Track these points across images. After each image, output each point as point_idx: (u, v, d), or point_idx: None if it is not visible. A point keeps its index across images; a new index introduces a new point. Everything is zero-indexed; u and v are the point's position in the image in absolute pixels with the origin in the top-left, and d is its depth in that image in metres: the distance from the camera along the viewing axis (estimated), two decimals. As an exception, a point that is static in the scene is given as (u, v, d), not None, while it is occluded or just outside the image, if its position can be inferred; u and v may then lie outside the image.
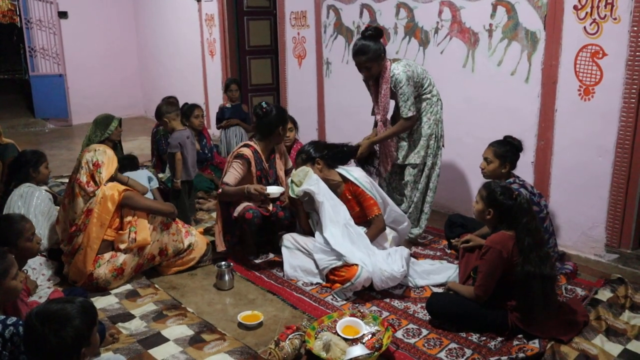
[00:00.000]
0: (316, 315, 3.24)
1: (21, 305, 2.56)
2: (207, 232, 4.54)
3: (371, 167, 4.24)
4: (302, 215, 3.94)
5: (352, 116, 5.80)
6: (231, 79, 6.98)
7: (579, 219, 4.04)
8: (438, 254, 4.11)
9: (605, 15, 3.68)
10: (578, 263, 3.85)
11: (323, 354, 2.70)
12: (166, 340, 3.02)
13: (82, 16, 9.96)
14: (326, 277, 3.63)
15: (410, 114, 3.89)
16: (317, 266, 3.67)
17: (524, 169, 4.06)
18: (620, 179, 3.77)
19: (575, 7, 3.82)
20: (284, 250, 3.85)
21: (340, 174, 3.90)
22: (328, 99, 6.26)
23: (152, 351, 2.90)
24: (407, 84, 3.85)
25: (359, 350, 2.71)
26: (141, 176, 4.62)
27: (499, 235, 2.95)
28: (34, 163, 3.98)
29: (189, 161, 4.66)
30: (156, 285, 3.71)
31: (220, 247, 4.04)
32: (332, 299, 3.46)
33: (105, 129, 4.98)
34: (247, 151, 4.01)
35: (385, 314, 3.28)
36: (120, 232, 3.63)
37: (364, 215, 3.81)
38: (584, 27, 3.79)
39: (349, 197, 3.84)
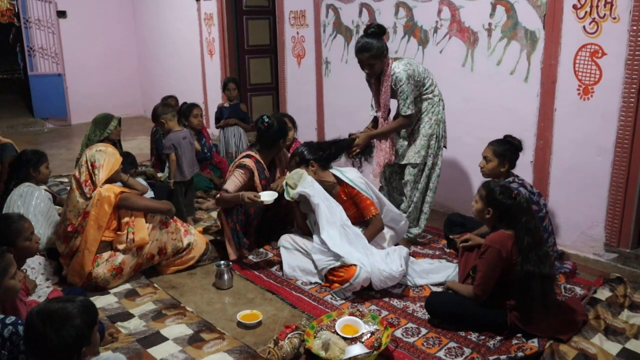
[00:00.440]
0: (315, 314, 3.24)
1: (20, 305, 2.56)
2: (206, 231, 4.54)
3: (362, 159, 4.19)
4: (298, 217, 3.95)
5: (351, 115, 5.79)
6: (229, 78, 6.98)
7: (578, 218, 4.05)
8: (437, 253, 4.11)
9: (605, 15, 3.68)
10: (577, 262, 3.86)
11: (322, 353, 2.70)
12: (165, 339, 3.02)
13: (81, 16, 9.95)
14: (325, 277, 3.63)
15: (408, 112, 3.88)
16: (315, 266, 3.67)
17: (523, 168, 4.06)
18: (620, 179, 3.77)
19: (574, 7, 3.82)
20: (282, 250, 3.85)
21: (334, 175, 3.89)
22: (327, 98, 6.26)
23: (151, 350, 2.90)
24: (407, 83, 3.85)
25: (358, 349, 2.71)
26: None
27: (498, 235, 2.95)
28: (34, 163, 3.97)
29: (184, 162, 4.65)
30: (155, 285, 3.71)
31: (233, 255, 3.98)
32: (331, 298, 3.46)
33: (105, 129, 4.99)
34: (249, 162, 4.02)
35: (384, 313, 3.28)
36: (119, 232, 3.62)
37: (360, 215, 3.81)
38: (584, 27, 3.80)
39: (344, 198, 3.84)
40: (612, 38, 3.67)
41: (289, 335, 2.85)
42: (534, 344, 2.83)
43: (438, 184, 4.15)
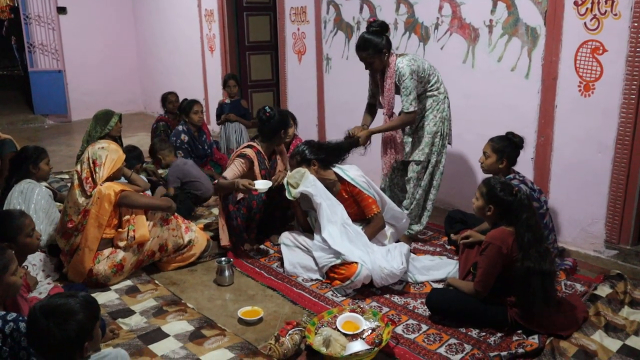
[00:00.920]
0: (316, 310, 3.24)
1: (21, 301, 2.57)
2: (207, 228, 4.54)
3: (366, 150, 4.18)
4: (299, 214, 3.95)
5: (352, 112, 5.78)
6: (229, 74, 6.97)
7: (579, 215, 4.05)
8: (438, 249, 4.12)
9: (606, 11, 3.67)
10: (577, 259, 3.86)
11: (323, 350, 2.71)
12: (166, 335, 3.02)
13: (81, 12, 9.93)
14: (326, 274, 3.63)
15: (411, 108, 3.87)
16: (316, 263, 3.68)
17: (524, 165, 4.06)
18: (620, 175, 3.77)
19: (575, 3, 3.81)
20: (283, 247, 3.85)
21: (336, 174, 3.89)
22: (328, 95, 6.25)
23: (152, 347, 2.91)
24: (410, 78, 3.83)
25: (359, 345, 2.72)
26: None
27: (498, 231, 2.95)
28: (33, 159, 3.97)
29: (201, 185, 4.67)
30: (156, 281, 3.71)
31: (225, 241, 4.07)
32: (332, 295, 3.46)
33: (106, 125, 4.99)
34: (250, 152, 4.07)
35: (385, 309, 3.28)
36: (119, 230, 3.62)
37: (361, 213, 3.81)
38: (585, 23, 3.79)
39: (346, 196, 3.84)
40: (613, 34, 3.66)
41: (290, 332, 2.85)
42: (534, 340, 2.83)
43: (441, 181, 4.15)
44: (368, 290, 3.50)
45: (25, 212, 3.17)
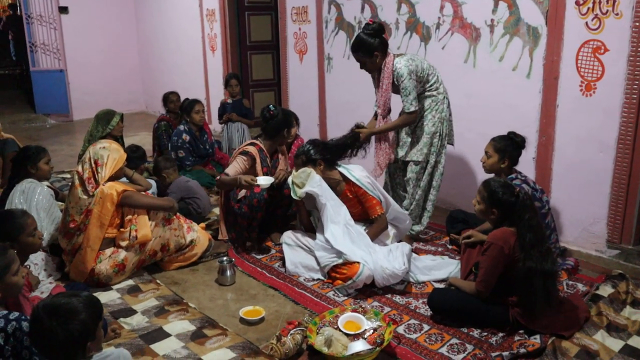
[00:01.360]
0: (318, 310, 3.24)
1: (23, 301, 2.57)
2: (209, 227, 4.54)
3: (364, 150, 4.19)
4: (303, 213, 3.95)
5: (353, 112, 5.78)
6: (231, 74, 6.98)
7: (581, 214, 4.04)
8: (439, 249, 4.11)
9: (607, 11, 3.67)
10: (579, 259, 3.86)
11: (325, 350, 2.71)
12: (168, 335, 3.02)
13: (82, 11, 9.94)
14: (328, 274, 3.63)
15: (412, 108, 3.87)
16: (318, 263, 3.68)
17: (526, 164, 4.05)
18: (622, 175, 3.77)
19: (577, 3, 3.81)
20: (284, 247, 3.85)
21: (341, 173, 3.89)
22: (329, 94, 6.25)
23: (154, 346, 2.91)
24: (408, 78, 3.83)
25: (360, 345, 2.72)
26: None
27: (500, 231, 2.95)
28: (32, 159, 3.96)
29: (200, 203, 4.72)
30: (158, 281, 3.72)
31: (223, 235, 4.13)
32: (333, 295, 3.46)
33: (107, 125, 5.00)
34: (252, 149, 4.09)
35: (386, 309, 3.28)
36: (121, 230, 3.62)
37: (365, 213, 3.81)
38: (586, 23, 3.79)
39: (350, 196, 3.83)
40: (615, 34, 3.66)
41: (291, 332, 2.85)
42: (536, 340, 2.83)
43: (441, 182, 4.15)
44: (370, 290, 3.50)
45: (27, 212, 3.17)
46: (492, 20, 4.38)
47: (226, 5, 7.90)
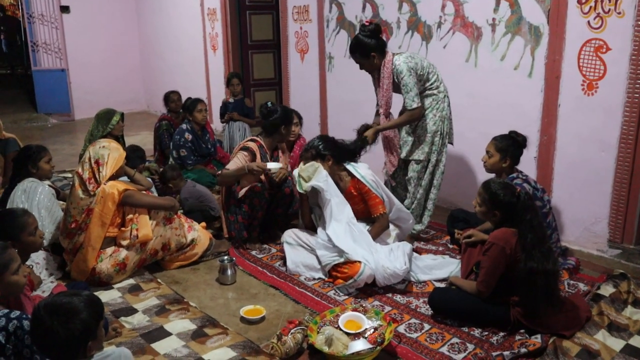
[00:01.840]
0: (318, 309, 3.24)
1: (24, 300, 2.57)
2: (210, 226, 4.54)
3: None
4: (305, 209, 3.93)
5: (354, 111, 5.79)
6: (232, 73, 6.98)
7: (582, 214, 4.04)
8: (440, 249, 4.11)
9: (609, 10, 3.66)
10: (580, 258, 3.85)
11: (325, 349, 2.71)
12: (169, 334, 3.02)
13: (84, 11, 9.94)
14: (329, 273, 3.63)
15: (414, 105, 3.87)
16: (319, 262, 3.67)
17: (527, 164, 4.05)
18: (624, 174, 3.76)
19: (579, 1, 3.80)
20: (285, 246, 3.85)
21: (347, 170, 3.88)
22: (330, 93, 6.25)
23: (155, 345, 2.91)
24: (408, 75, 3.83)
25: (361, 344, 2.72)
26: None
27: (501, 231, 2.94)
28: (33, 159, 3.96)
29: (213, 203, 4.77)
30: (159, 280, 3.72)
31: (226, 233, 4.16)
32: (334, 294, 3.46)
33: (107, 124, 5.00)
34: (252, 145, 4.10)
35: (387, 308, 3.28)
36: (122, 229, 3.62)
37: (367, 212, 3.80)
38: (588, 22, 3.78)
39: (354, 193, 3.82)
40: (617, 33, 3.65)
41: (292, 331, 2.85)
42: (537, 340, 2.83)
43: (442, 181, 4.15)
44: (370, 289, 3.50)
45: (28, 211, 3.17)
46: (493, 19, 4.37)
47: (227, 4, 7.90)
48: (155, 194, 4.55)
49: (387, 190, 3.88)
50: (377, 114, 4.17)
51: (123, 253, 3.62)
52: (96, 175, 3.58)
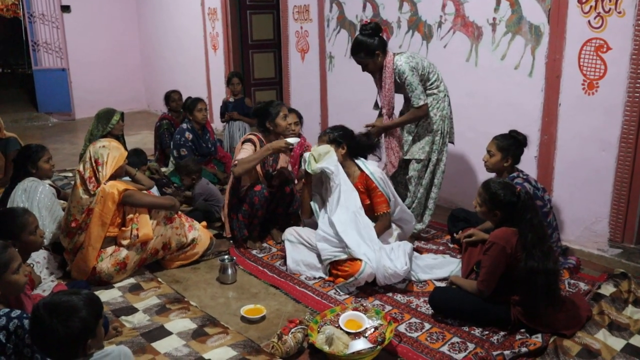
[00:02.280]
0: (319, 309, 3.24)
1: (24, 299, 2.57)
2: (211, 226, 4.54)
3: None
4: (306, 194, 3.85)
5: (355, 110, 5.79)
6: (233, 72, 6.98)
7: (583, 213, 4.04)
8: (441, 248, 4.11)
9: (610, 9, 3.66)
10: (581, 258, 3.85)
11: (326, 348, 2.71)
12: (169, 333, 3.03)
13: (84, 10, 9.96)
14: (329, 271, 3.63)
15: (421, 102, 3.87)
16: (320, 260, 3.67)
17: (528, 163, 4.05)
18: (624, 174, 3.76)
19: (579, 1, 3.80)
20: (286, 244, 3.84)
21: (356, 165, 3.86)
22: (331, 93, 6.25)
23: (155, 344, 2.91)
24: (411, 74, 3.83)
25: (361, 344, 2.72)
26: None
27: (502, 231, 2.94)
28: (32, 159, 3.95)
29: (220, 203, 4.78)
30: (159, 279, 3.72)
31: (228, 232, 4.18)
32: (334, 293, 3.46)
33: (107, 123, 5.00)
34: (254, 137, 4.12)
35: (388, 307, 3.28)
36: (123, 228, 3.62)
37: (371, 210, 3.80)
38: (588, 21, 3.78)
39: (361, 189, 3.79)
40: (617, 32, 3.65)
41: (292, 330, 2.85)
42: (537, 339, 2.83)
43: (443, 180, 4.14)
44: (371, 288, 3.50)
45: (28, 210, 3.18)
46: (494, 18, 4.37)
47: (228, 4, 7.90)
48: (157, 194, 4.55)
49: (393, 190, 3.86)
50: (380, 115, 4.16)
51: (123, 252, 3.62)
52: (96, 174, 3.58)
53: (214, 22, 8.28)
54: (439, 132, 4.01)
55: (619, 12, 3.62)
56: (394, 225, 3.89)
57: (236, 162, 3.92)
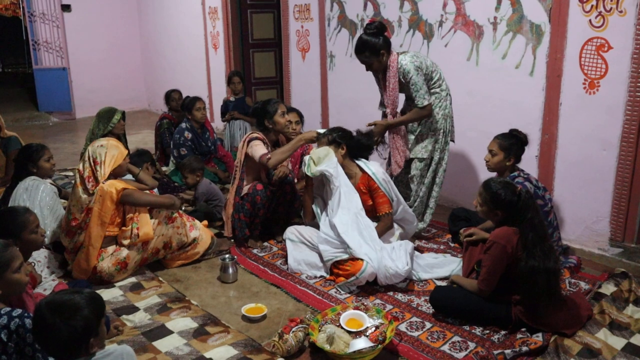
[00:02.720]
0: (320, 308, 3.24)
1: (26, 298, 2.57)
2: (212, 225, 4.54)
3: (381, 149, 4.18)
4: (308, 197, 3.88)
5: (356, 109, 5.79)
6: (234, 71, 6.98)
7: (583, 212, 4.04)
8: (442, 247, 4.11)
9: (611, 8, 3.65)
10: (582, 257, 3.85)
11: (327, 347, 2.71)
12: (170, 332, 3.03)
13: (85, 9, 9.97)
14: (330, 270, 3.63)
15: (425, 102, 3.87)
16: (321, 260, 3.67)
17: (528, 162, 4.05)
18: (625, 173, 3.76)
19: (580, 0, 3.80)
20: (288, 243, 3.85)
21: (358, 166, 3.87)
22: (332, 92, 6.25)
23: (156, 343, 2.92)
24: (416, 74, 3.83)
25: (362, 343, 2.72)
26: None
27: (503, 230, 2.94)
28: (32, 158, 3.95)
29: (222, 204, 4.80)
30: (160, 278, 3.72)
31: (228, 232, 4.18)
32: (335, 292, 3.46)
33: (108, 122, 4.99)
34: (258, 135, 4.14)
35: (388, 307, 3.28)
36: (123, 228, 3.62)
37: (374, 210, 3.80)
38: (590, 20, 3.77)
39: (364, 190, 3.80)
40: (619, 32, 3.64)
41: (293, 329, 2.86)
42: (538, 338, 2.83)
43: (444, 178, 4.14)
44: (372, 287, 3.50)
45: (29, 209, 3.17)
46: (495, 17, 4.37)
47: (228, 3, 7.90)
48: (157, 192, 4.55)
49: (396, 190, 3.85)
50: (384, 115, 4.16)
51: (124, 252, 3.62)
52: (95, 174, 3.58)
53: (214, 21, 8.28)
54: (442, 130, 4.01)
55: (620, 11, 3.61)
56: (395, 225, 3.89)
57: (269, 155, 3.90)
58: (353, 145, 3.84)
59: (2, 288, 2.32)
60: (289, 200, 4.26)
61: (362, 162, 3.86)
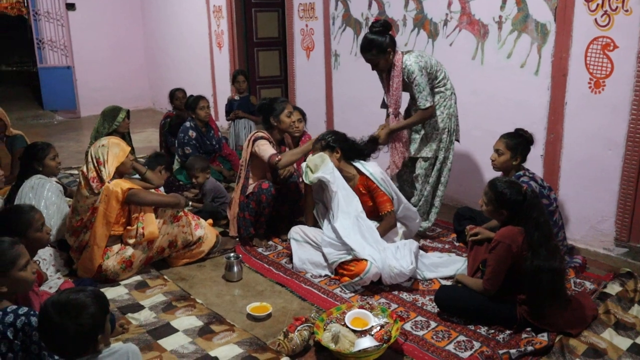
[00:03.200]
0: (325, 307, 3.24)
1: (32, 295, 2.57)
2: (217, 224, 4.55)
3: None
4: (309, 203, 3.92)
5: (360, 108, 5.79)
6: (238, 70, 6.99)
7: (589, 212, 4.03)
8: (447, 246, 4.11)
9: (617, 7, 3.64)
10: (587, 257, 3.84)
11: (332, 346, 2.71)
12: (175, 330, 3.04)
13: (89, 8, 9.99)
14: (335, 270, 3.63)
15: (427, 104, 3.86)
16: (325, 259, 3.67)
17: (534, 162, 4.04)
18: (631, 173, 3.75)
19: (586, -1, 3.79)
20: (292, 242, 3.85)
21: (355, 167, 3.88)
22: (336, 91, 6.25)
23: (162, 342, 2.92)
24: (420, 75, 3.83)
25: (367, 341, 2.72)
26: None
27: (508, 230, 2.94)
28: (38, 157, 3.97)
29: (226, 198, 4.83)
30: (165, 277, 3.73)
31: (233, 231, 4.18)
32: (340, 291, 3.46)
33: (113, 121, 5.00)
34: (264, 134, 4.14)
35: (393, 306, 3.28)
36: (128, 227, 3.63)
37: (376, 210, 3.80)
38: (595, 19, 3.76)
39: (363, 191, 3.81)
40: (624, 31, 3.63)
41: (298, 328, 2.86)
42: (543, 338, 2.82)
43: (449, 177, 4.14)
44: (377, 286, 3.50)
45: (34, 207, 3.18)
46: (500, 16, 4.36)
47: (233, 2, 7.91)
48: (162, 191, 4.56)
49: (395, 188, 3.86)
50: (388, 115, 4.15)
51: (129, 250, 3.62)
52: (100, 174, 3.58)
53: (219, 20, 8.29)
54: (446, 130, 4.01)
55: (626, 10, 3.60)
56: (398, 224, 3.89)
57: (279, 157, 3.93)
58: (347, 148, 3.85)
59: (9, 286, 2.32)
60: (293, 199, 4.26)
61: (359, 164, 3.86)
